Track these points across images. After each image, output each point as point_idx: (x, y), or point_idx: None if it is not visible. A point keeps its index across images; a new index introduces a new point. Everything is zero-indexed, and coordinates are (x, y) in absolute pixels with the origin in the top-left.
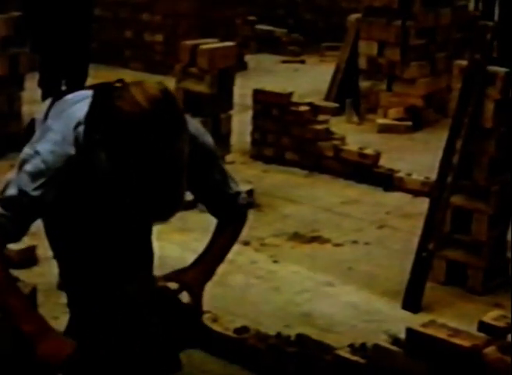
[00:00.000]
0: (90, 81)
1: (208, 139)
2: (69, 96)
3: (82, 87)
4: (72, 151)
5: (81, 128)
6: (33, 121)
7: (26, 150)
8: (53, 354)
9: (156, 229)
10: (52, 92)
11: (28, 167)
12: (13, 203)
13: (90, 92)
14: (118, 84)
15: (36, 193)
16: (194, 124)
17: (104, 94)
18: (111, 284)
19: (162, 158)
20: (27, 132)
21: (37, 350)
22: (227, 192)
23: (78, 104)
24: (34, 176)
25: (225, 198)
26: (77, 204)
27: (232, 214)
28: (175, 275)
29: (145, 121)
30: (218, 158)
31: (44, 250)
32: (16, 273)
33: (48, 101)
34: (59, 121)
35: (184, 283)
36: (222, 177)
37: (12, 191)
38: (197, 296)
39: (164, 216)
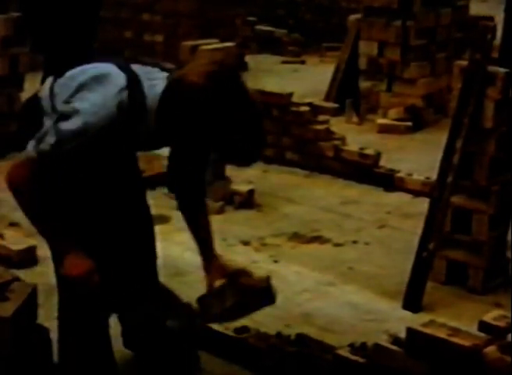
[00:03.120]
0: None
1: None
2: (75, 71)
3: None
4: (114, 114)
5: (124, 93)
6: (34, 99)
7: (62, 106)
8: (75, 266)
9: (157, 229)
10: None
11: (68, 125)
12: (50, 153)
13: (93, 65)
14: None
15: (72, 149)
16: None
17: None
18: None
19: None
20: (27, 110)
21: (64, 263)
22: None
23: (114, 69)
24: (75, 134)
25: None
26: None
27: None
28: (228, 273)
29: (215, 83)
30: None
31: (44, 250)
32: (16, 273)
33: (49, 79)
34: (95, 85)
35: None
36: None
37: (51, 140)
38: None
39: (249, 160)
